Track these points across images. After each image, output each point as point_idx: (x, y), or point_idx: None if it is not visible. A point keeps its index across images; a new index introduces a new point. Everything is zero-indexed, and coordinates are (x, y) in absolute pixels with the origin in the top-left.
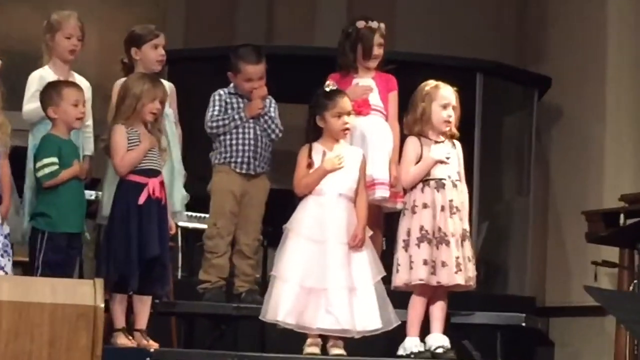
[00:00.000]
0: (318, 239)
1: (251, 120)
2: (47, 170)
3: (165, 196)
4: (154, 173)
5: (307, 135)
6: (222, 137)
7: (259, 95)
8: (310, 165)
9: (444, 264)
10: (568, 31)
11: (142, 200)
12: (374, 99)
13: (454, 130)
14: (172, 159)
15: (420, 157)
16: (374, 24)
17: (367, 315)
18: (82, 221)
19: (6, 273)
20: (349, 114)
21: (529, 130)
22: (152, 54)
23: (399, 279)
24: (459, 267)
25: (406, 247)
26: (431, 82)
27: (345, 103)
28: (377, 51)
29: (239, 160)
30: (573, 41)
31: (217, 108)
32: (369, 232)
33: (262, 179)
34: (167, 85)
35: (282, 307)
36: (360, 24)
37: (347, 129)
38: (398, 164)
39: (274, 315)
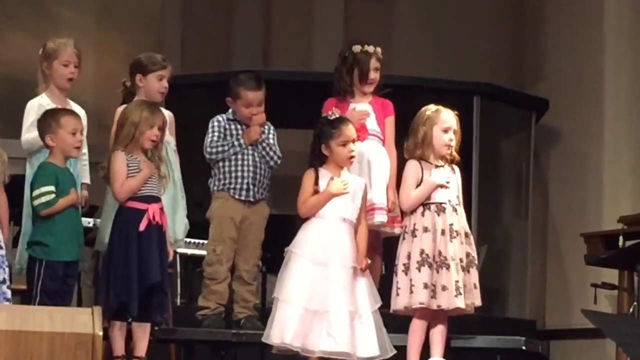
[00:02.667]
0: (321, 262)
1: (250, 147)
2: (43, 199)
3: (165, 222)
4: (154, 199)
5: (312, 162)
6: (220, 164)
7: (258, 122)
8: (316, 191)
9: (444, 288)
10: (565, 53)
11: (143, 226)
12: (371, 123)
13: (455, 155)
14: (174, 187)
15: (421, 181)
16: (370, 48)
17: (366, 342)
18: (78, 249)
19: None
20: (354, 141)
21: (526, 152)
22: (156, 85)
23: (399, 303)
24: (458, 290)
25: (406, 270)
26: (432, 107)
27: (350, 131)
28: (374, 75)
29: (238, 186)
30: (570, 63)
31: (216, 134)
32: (368, 260)
33: (261, 205)
34: (167, 113)
35: (288, 330)
36: (357, 48)
37: (353, 156)
38: (395, 189)
39: (280, 338)
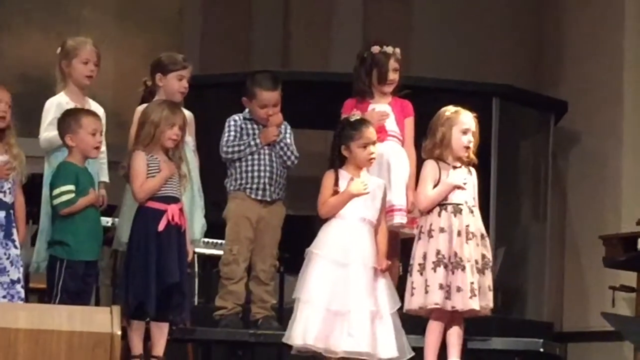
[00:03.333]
0: (342, 262)
1: (266, 147)
2: (64, 198)
3: (185, 223)
4: (174, 200)
5: (332, 163)
6: (237, 164)
7: (275, 122)
8: (336, 192)
9: (458, 289)
10: (584, 55)
11: (162, 226)
12: (391, 124)
13: (472, 157)
14: (192, 187)
15: (438, 181)
16: (389, 49)
17: (385, 343)
18: (98, 249)
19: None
20: (374, 143)
21: (545, 154)
22: (176, 85)
23: (414, 302)
24: (473, 292)
25: (422, 270)
26: (451, 108)
27: (370, 133)
28: (393, 76)
29: (255, 186)
30: (589, 65)
31: (232, 134)
32: (388, 262)
33: (277, 205)
34: (187, 113)
35: (310, 331)
36: (375, 49)
37: (373, 158)
38: (415, 190)
39: (303, 339)
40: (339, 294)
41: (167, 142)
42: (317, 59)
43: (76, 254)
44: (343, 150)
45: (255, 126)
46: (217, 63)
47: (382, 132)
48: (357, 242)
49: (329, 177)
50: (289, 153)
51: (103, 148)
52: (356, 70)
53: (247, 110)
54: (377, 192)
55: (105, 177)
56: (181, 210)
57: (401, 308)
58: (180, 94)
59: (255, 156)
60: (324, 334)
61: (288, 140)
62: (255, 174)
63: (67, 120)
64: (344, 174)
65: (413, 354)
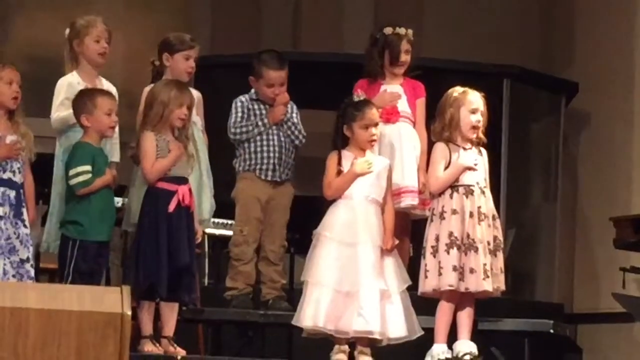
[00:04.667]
0: (350, 242)
1: (274, 127)
2: (81, 179)
3: (193, 204)
4: (183, 180)
5: (335, 143)
6: (245, 144)
7: (282, 101)
8: (340, 172)
9: (472, 271)
10: (595, 36)
11: (172, 207)
12: (402, 105)
13: (482, 136)
14: (200, 167)
15: (449, 163)
16: (402, 30)
17: (394, 322)
18: (111, 229)
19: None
20: (376, 125)
21: (556, 136)
22: (183, 65)
23: (428, 285)
24: (486, 273)
25: (434, 253)
26: (459, 88)
27: (373, 115)
28: (405, 57)
29: (264, 167)
30: (600, 46)
31: (239, 115)
32: (395, 241)
33: (286, 186)
34: (195, 93)
35: (321, 313)
36: (388, 30)
37: (374, 140)
38: (426, 171)
39: (314, 321)
40: (348, 274)
41: (175, 121)
42: (328, 39)
43: (89, 234)
44: (345, 131)
45: (262, 106)
46: (227, 43)
47: (394, 113)
48: (364, 222)
49: (332, 158)
50: (296, 132)
51: (116, 128)
52: (368, 51)
53: (252, 90)
54: (381, 172)
55: (116, 157)
56: (190, 191)
57: (414, 289)
58: (188, 73)
59: (264, 137)
60: (335, 315)
61: (295, 120)
62: (265, 154)
63: (83, 100)
64: (347, 155)
65: (422, 333)
